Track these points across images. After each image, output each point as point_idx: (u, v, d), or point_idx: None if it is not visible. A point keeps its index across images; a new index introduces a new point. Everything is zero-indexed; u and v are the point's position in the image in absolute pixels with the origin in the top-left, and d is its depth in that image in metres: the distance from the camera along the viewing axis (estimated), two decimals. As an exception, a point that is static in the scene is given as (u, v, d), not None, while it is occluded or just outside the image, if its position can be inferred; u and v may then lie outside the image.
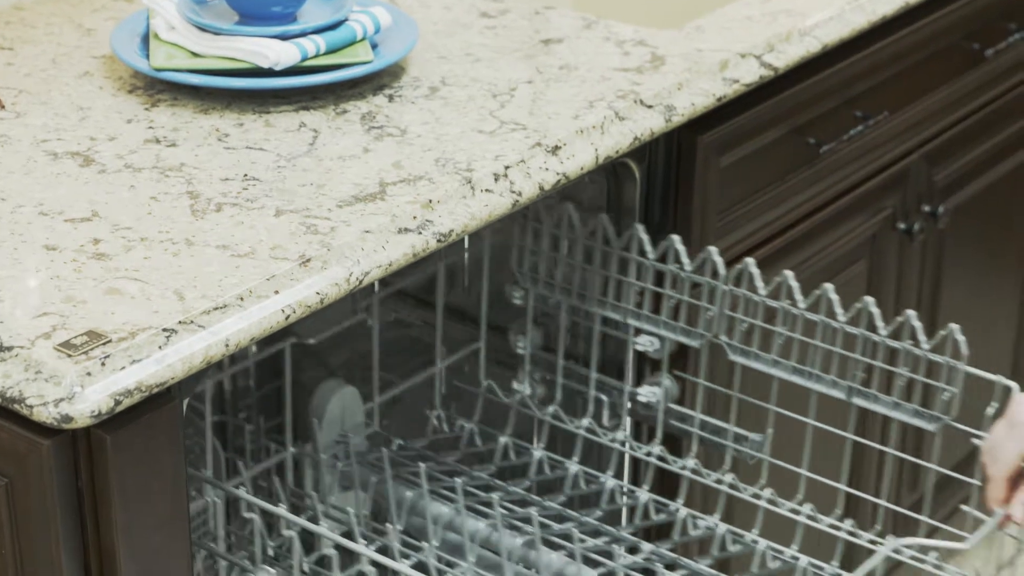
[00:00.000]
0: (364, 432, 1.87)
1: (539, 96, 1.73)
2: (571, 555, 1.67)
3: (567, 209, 1.80)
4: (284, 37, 1.71)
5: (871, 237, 2.16)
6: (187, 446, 1.64)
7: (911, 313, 1.65)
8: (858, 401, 1.69)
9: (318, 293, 1.41)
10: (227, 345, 1.35)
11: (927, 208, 2.24)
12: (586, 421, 1.85)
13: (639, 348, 1.82)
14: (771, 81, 1.87)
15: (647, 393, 1.84)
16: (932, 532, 1.67)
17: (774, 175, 1.95)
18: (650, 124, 1.71)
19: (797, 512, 1.73)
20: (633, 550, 1.75)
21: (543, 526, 1.73)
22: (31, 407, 1.26)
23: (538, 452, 1.88)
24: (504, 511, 1.75)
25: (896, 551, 1.61)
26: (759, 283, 1.70)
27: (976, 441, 1.56)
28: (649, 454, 1.82)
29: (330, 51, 1.73)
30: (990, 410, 1.58)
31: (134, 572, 1.34)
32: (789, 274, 1.69)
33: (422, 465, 1.73)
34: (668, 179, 1.83)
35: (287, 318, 1.39)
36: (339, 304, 1.70)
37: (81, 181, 1.55)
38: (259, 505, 1.59)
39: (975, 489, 1.58)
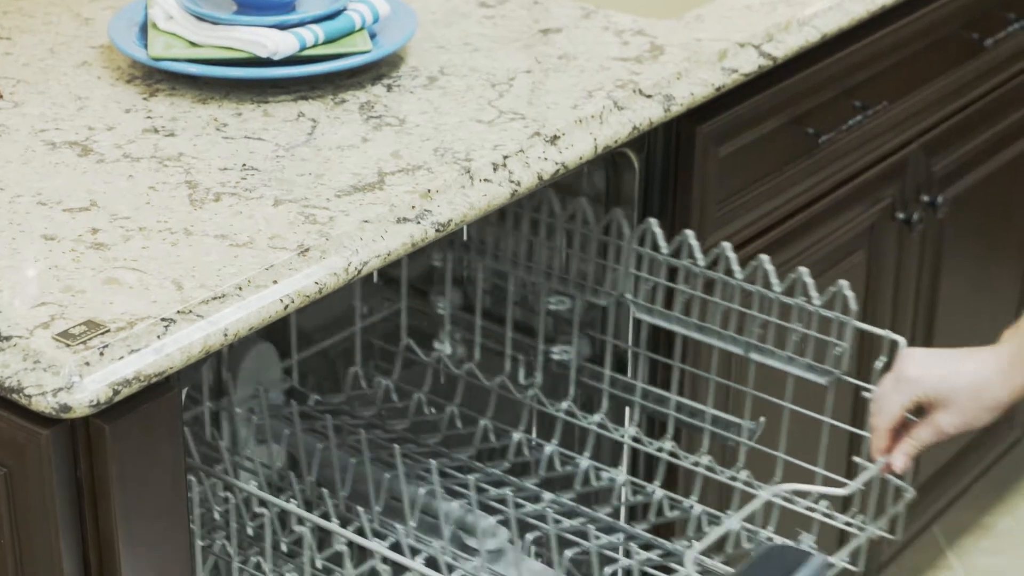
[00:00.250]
0: (281, 387, 1.90)
1: (538, 86, 1.73)
2: (471, 504, 1.72)
3: None
4: (282, 27, 1.71)
5: (870, 227, 2.16)
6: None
7: (803, 270, 1.69)
8: (755, 356, 1.73)
9: (317, 283, 1.41)
10: (226, 335, 1.35)
11: (926, 198, 2.24)
12: (499, 379, 1.89)
13: (552, 308, 1.88)
14: (770, 71, 1.87)
15: (559, 352, 1.89)
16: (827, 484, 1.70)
17: (773, 165, 1.95)
18: (649, 114, 1.71)
19: (735, 479, 1.79)
20: (503, 484, 1.82)
21: (445, 476, 1.79)
22: (30, 397, 1.26)
23: (452, 408, 1.92)
24: (411, 462, 1.80)
25: (783, 498, 1.68)
26: (662, 243, 1.75)
27: (866, 394, 1.61)
28: (558, 409, 1.86)
29: (328, 41, 1.72)
30: (879, 364, 1.63)
31: (133, 561, 1.34)
32: (690, 233, 1.74)
33: (329, 416, 1.78)
34: (667, 169, 1.83)
35: (286, 308, 1.39)
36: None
37: (79, 171, 1.55)
38: (271, 501, 1.58)
39: (865, 440, 1.63)
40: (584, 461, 1.86)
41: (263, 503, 1.53)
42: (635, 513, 1.86)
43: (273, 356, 1.88)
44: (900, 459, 1.56)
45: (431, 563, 1.62)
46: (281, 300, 1.39)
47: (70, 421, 1.29)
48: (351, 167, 1.56)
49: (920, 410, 1.55)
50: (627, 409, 1.86)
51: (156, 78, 1.73)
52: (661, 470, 1.82)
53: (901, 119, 2.15)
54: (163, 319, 1.33)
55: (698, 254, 1.74)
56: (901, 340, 1.62)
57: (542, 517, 1.74)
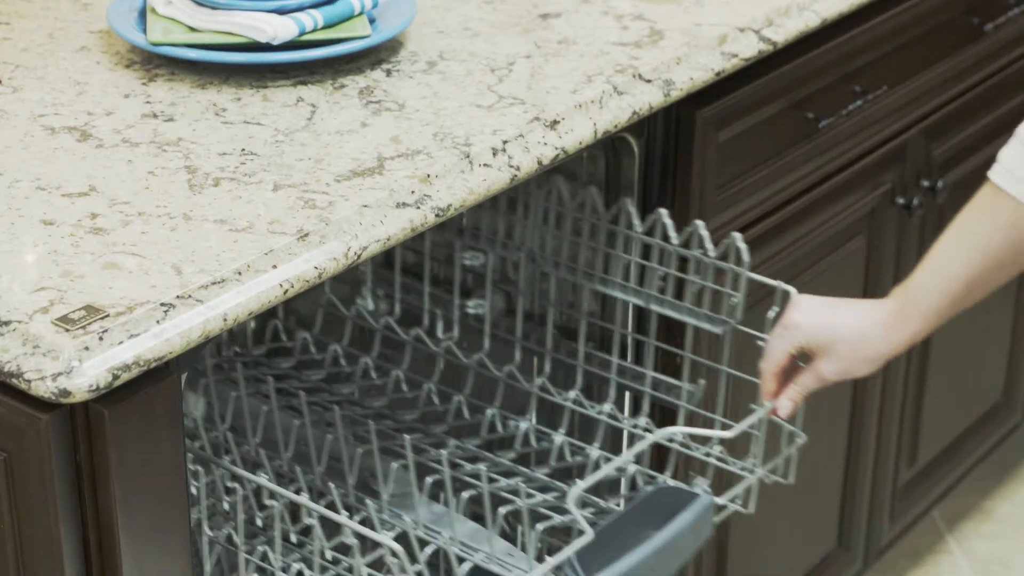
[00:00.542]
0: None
1: (537, 71, 1.73)
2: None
3: None
4: (281, 11, 1.71)
5: (870, 212, 2.16)
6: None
7: (699, 223, 1.74)
8: (655, 308, 1.79)
9: (316, 268, 1.41)
10: (225, 320, 1.35)
11: (926, 183, 2.24)
12: (415, 331, 1.94)
13: (467, 263, 1.93)
14: (770, 56, 1.87)
15: (474, 305, 1.95)
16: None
17: (773, 150, 1.95)
18: (649, 99, 1.71)
19: (635, 426, 1.84)
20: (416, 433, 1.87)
21: (354, 422, 1.84)
22: (29, 381, 1.26)
23: (367, 359, 1.96)
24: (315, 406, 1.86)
25: (679, 442, 1.74)
26: (566, 196, 1.82)
27: (760, 343, 1.66)
28: (503, 373, 1.89)
29: (328, 25, 1.72)
30: (771, 313, 1.68)
31: (133, 546, 1.34)
32: (593, 189, 1.79)
33: (239, 365, 1.82)
34: (667, 154, 1.83)
35: (285, 293, 1.39)
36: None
37: (78, 156, 1.55)
38: (280, 493, 1.58)
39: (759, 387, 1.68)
40: (428, 385, 1.92)
41: (272, 495, 1.53)
42: (571, 472, 1.88)
43: None
44: (785, 403, 1.63)
45: (401, 539, 1.64)
46: (280, 285, 1.39)
47: (69, 406, 1.29)
48: (350, 152, 1.56)
49: (808, 357, 1.60)
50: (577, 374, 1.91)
51: (155, 63, 1.73)
52: (601, 432, 1.86)
53: (901, 104, 2.15)
54: (162, 304, 1.33)
55: (635, 221, 1.78)
56: (792, 290, 1.66)
57: (477, 476, 1.77)
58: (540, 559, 1.56)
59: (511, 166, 1.58)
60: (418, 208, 1.50)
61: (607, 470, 1.54)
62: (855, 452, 2.28)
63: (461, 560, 1.60)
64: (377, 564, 1.60)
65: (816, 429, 2.18)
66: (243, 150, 1.56)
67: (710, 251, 1.72)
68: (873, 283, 2.19)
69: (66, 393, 1.26)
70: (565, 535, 1.71)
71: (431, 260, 1.96)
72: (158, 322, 1.31)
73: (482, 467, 1.67)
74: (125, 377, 1.29)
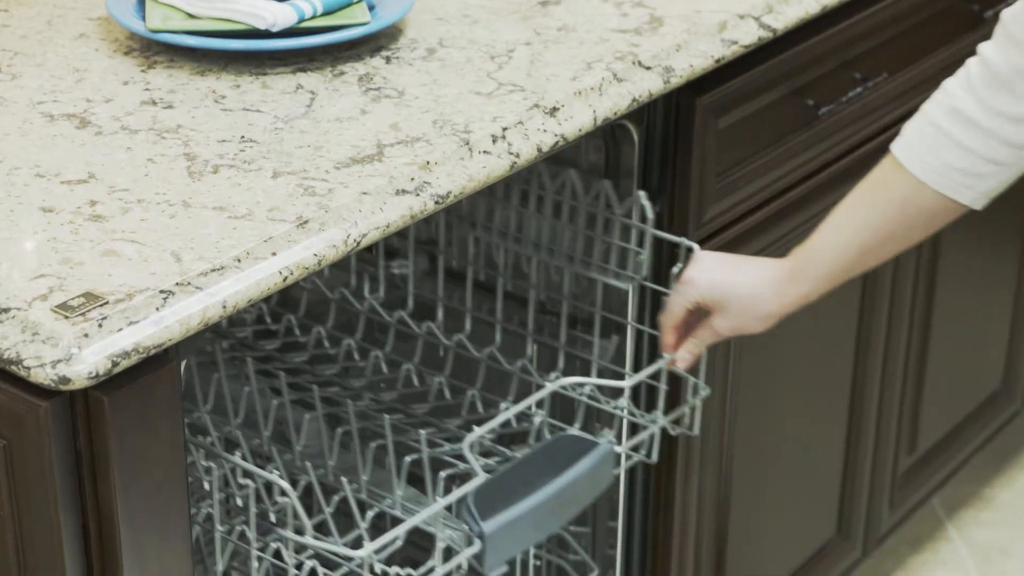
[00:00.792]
0: None
1: (537, 58, 1.72)
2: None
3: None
4: (281, -2, 1.71)
5: (870, 199, 2.15)
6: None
7: (607, 183, 1.79)
8: (567, 266, 1.86)
9: (316, 255, 1.41)
10: (224, 307, 1.34)
11: (926, 170, 2.24)
12: (337, 292, 1.99)
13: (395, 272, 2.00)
14: (770, 42, 1.87)
15: (399, 266, 2.00)
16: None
17: (773, 137, 1.95)
18: (648, 86, 1.71)
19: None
20: (358, 399, 1.91)
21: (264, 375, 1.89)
22: (28, 368, 1.26)
23: (319, 329, 2.01)
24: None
25: (586, 394, 1.79)
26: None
27: (665, 298, 1.72)
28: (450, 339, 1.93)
29: (327, 12, 1.72)
30: (675, 269, 1.73)
31: (132, 533, 1.34)
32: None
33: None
34: (666, 141, 1.82)
35: (284, 280, 1.39)
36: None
37: (77, 143, 1.55)
38: (256, 473, 1.59)
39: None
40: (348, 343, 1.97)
41: (247, 474, 1.54)
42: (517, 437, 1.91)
43: None
44: (684, 355, 1.68)
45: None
46: (280, 272, 1.39)
47: (69, 393, 1.29)
48: (350, 139, 1.56)
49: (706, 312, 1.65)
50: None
51: (154, 50, 1.73)
52: (514, 384, 1.90)
53: (901, 91, 2.15)
54: (162, 291, 1.32)
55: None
56: (695, 246, 1.71)
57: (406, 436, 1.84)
58: (449, 507, 1.60)
59: (511, 153, 1.58)
60: (417, 195, 1.50)
61: (503, 417, 1.61)
62: (855, 440, 2.28)
63: (368, 507, 1.65)
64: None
65: (815, 417, 2.19)
66: (242, 137, 1.56)
67: (616, 209, 1.78)
68: (872, 271, 2.19)
69: (65, 380, 1.26)
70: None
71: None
72: (157, 309, 1.31)
73: (424, 433, 1.69)
74: (124, 364, 1.28)
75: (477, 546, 1.57)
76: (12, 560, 1.36)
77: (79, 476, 1.32)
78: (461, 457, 1.68)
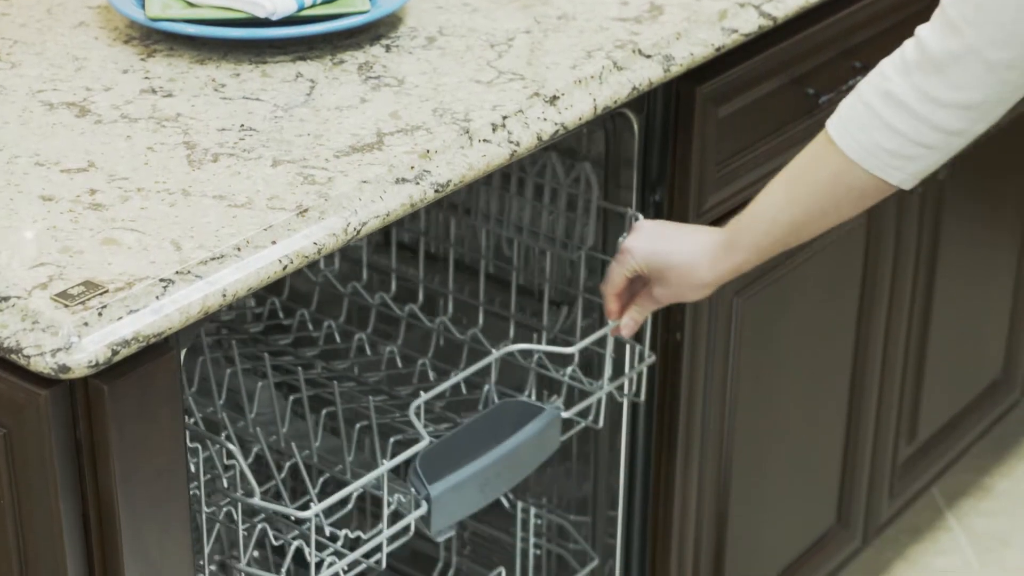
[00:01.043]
0: None
1: (537, 46, 1.72)
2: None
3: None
4: (280, -13, 1.70)
5: (870, 188, 2.15)
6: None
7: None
8: (516, 237, 1.90)
9: (315, 243, 1.41)
10: (224, 295, 1.34)
11: (926, 159, 2.23)
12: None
13: None
14: (770, 31, 1.86)
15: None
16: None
17: (773, 126, 1.94)
18: (648, 74, 1.71)
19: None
20: (309, 368, 1.94)
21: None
22: (28, 357, 1.26)
23: (275, 300, 2.03)
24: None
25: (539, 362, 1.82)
26: None
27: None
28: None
29: (327, 1, 1.72)
30: (621, 239, 1.73)
31: (132, 521, 1.34)
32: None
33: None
34: (666, 130, 1.82)
35: (284, 268, 1.39)
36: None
37: (77, 131, 1.54)
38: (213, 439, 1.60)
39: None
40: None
41: (196, 437, 1.56)
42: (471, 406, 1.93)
43: None
44: (627, 322, 1.71)
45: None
46: (280, 261, 1.38)
47: (69, 382, 1.29)
48: (350, 128, 1.55)
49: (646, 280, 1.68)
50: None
51: (154, 39, 1.72)
52: (466, 354, 1.91)
53: (901, 80, 2.14)
54: (161, 280, 1.32)
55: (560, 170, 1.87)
56: (639, 216, 1.75)
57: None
58: (397, 471, 1.63)
59: (511, 142, 1.57)
60: (417, 184, 1.49)
61: (450, 383, 1.66)
62: (855, 429, 2.28)
63: (319, 473, 1.68)
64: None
65: (815, 406, 2.19)
66: (242, 126, 1.56)
67: (562, 180, 1.81)
68: (873, 258, 2.19)
69: (65, 369, 1.26)
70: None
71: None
72: (157, 298, 1.31)
73: (372, 399, 1.72)
74: (124, 353, 1.28)
75: (424, 508, 1.60)
76: (12, 548, 1.36)
77: (79, 465, 1.32)
78: (412, 424, 1.71)
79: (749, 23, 1.82)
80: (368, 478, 1.57)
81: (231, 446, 1.50)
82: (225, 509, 1.60)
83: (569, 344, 1.79)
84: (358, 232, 1.44)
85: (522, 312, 1.95)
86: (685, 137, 1.82)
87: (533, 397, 1.81)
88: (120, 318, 1.29)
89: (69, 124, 1.56)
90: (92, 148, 1.51)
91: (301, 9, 1.70)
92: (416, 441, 1.61)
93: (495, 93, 1.62)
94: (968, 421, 2.57)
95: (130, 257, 1.35)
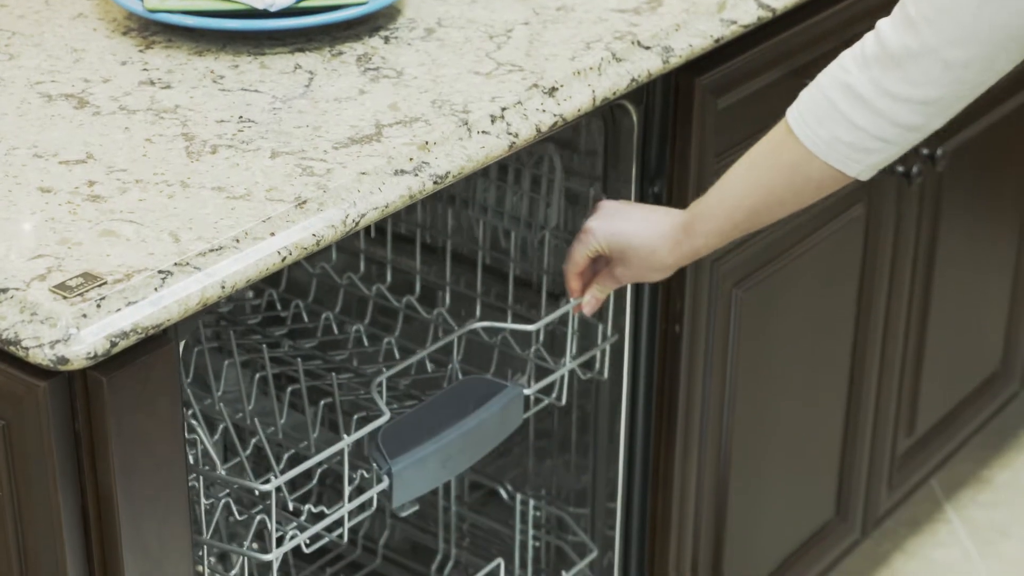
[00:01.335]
0: None
1: (536, 37, 1.72)
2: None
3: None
4: (279, -22, 1.70)
5: (869, 180, 2.15)
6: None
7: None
8: (481, 218, 1.93)
9: (314, 235, 1.41)
10: (223, 287, 1.34)
11: (925, 151, 2.23)
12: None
13: None
14: (769, 22, 1.86)
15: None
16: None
17: (772, 117, 1.93)
18: (647, 66, 1.70)
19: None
20: (276, 346, 1.97)
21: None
22: (27, 349, 1.26)
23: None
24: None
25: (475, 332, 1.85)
26: None
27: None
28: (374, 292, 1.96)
29: (325, -8, 1.72)
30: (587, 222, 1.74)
31: (131, 513, 1.34)
32: None
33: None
34: (665, 121, 1.82)
35: (283, 260, 1.39)
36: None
37: (75, 123, 1.54)
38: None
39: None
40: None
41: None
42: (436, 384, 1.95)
43: None
44: (589, 301, 1.73)
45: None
46: (279, 252, 1.38)
47: (67, 373, 1.29)
48: (348, 119, 1.55)
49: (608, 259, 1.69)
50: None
51: (152, 30, 1.72)
52: (431, 333, 1.93)
53: (900, 71, 2.14)
54: (160, 271, 1.32)
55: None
56: (603, 196, 1.77)
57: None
58: (364, 448, 1.64)
59: (509, 133, 1.57)
60: (416, 175, 1.49)
61: (412, 360, 1.69)
62: (853, 421, 2.28)
63: (284, 450, 1.70)
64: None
65: (814, 399, 2.19)
66: (241, 117, 1.55)
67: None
68: (872, 251, 2.19)
69: (64, 360, 1.26)
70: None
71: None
72: (156, 289, 1.31)
73: (336, 376, 1.74)
74: (123, 344, 1.28)
75: (385, 483, 1.61)
76: (11, 540, 1.36)
77: (78, 456, 1.32)
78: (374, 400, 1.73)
79: (748, 14, 1.81)
80: (328, 452, 1.58)
81: (194, 421, 1.52)
82: (190, 484, 1.61)
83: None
84: (357, 224, 1.44)
85: (519, 304, 1.95)
86: (684, 129, 1.82)
87: (501, 376, 1.82)
88: (119, 310, 1.29)
89: (67, 116, 1.55)
90: (90, 140, 1.51)
91: (299, 0, 1.69)
92: (379, 417, 1.63)
93: (494, 84, 1.62)
94: (967, 413, 2.57)
95: (129, 249, 1.35)
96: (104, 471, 1.32)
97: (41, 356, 1.26)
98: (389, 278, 2.00)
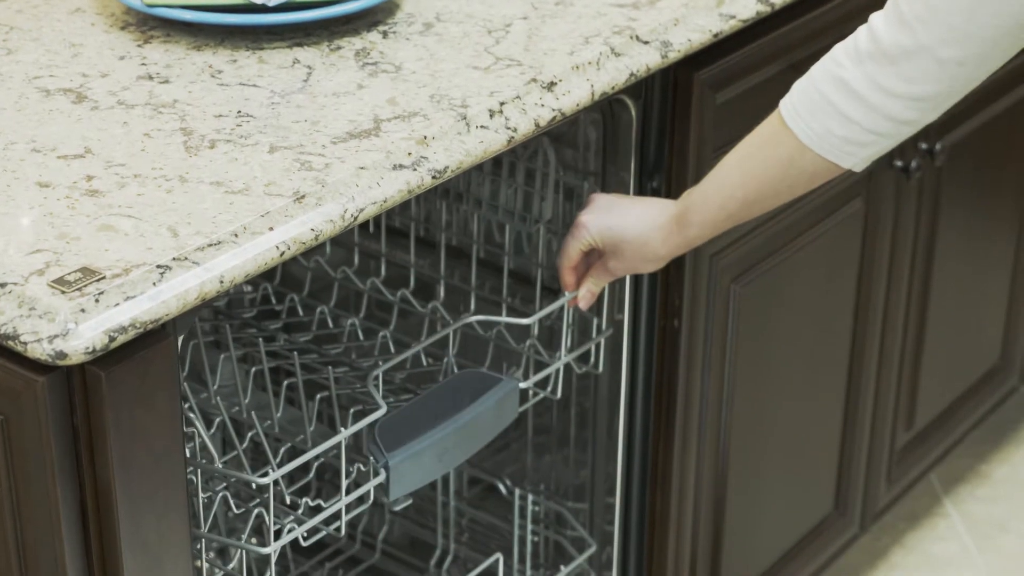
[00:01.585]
0: None
1: (534, 32, 1.72)
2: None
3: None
4: (277, -27, 1.70)
5: (868, 175, 2.15)
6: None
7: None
8: (476, 212, 1.94)
9: (313, 229, 1.41)
10: (222, 281, 1.34)
11: (924, 146, 2.23)
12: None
13: None
14: (768, 17, 1.86)
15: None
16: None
17: (770, 112, 1.94)
18: (646, 60, 1.70)
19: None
20: (271, 340, 1.95)
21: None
22: (25, 344, 1.26)
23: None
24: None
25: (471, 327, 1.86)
26: None
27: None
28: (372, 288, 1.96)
29: (324, -13, 1.71)
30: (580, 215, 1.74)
31: (130, 508, 1.34)
32: None
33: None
34: (664, 116, 1.82)
35: (282, 255, 1.39)
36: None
37: (74, 118, 1.54)
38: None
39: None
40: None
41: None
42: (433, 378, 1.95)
43: None
44: (583, 294, 1.73)
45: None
46: (277, 247, 1.38)
47: (66, 368, 1.29)
48: (347, 114, 1.55)
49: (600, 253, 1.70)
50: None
51: (150, 25, 1.72)
52: (426, 327, 1.94)
53: (899, 66, 2.14)
54: (158, 266, 1.32)
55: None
56: (596, 190, 1.77)
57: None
58: (360, 442, 1.65)
59: (508, 128, 1.57)
60: (415, 170, 1.49)
61: (408, 353, 1.70)
62: (852, 416, 2.28)
63: (281, 443, 1.70)
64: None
65: (812, 394, 2.19)
66: (239, 112, 1.55)
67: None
68: (871, 245, 2.19)
69: (62, 355, 1.26)
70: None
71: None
72: (154, 284, 1.31)
73: (332, 370, 1.74)
74: (121, 339, 1.28)
75: (382, 476, 1.62)
76: (10, 535, 1.36)
77: (76, 451, 1.32)
78: (370, 394, 1.73)
79: (747, 9, 1.81)
80: (325, 445, 1.59)
81: (191, 415, 1.52)
82: (190, 478, 1.62)
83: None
84: (355, 219, 1.44)
85: (513, 298, 1.95)
86: (683, 123, 1.82)
87: (496, 370, 1.82)
88: (117, 304, 1.29)
89: (66, 110, 1.55)
90: (89, 134, 1.51)
91: (298, -5, 1.70)
92: (375, 411, 1.63)
93: (492, 79, 1.62)
94: (966, 407, 2.57)
95: (127, 243, 1.35)
96: (102, 465, 1.32)
97: (39, 351, 1.26)
98: (384, 272, 2.00)
